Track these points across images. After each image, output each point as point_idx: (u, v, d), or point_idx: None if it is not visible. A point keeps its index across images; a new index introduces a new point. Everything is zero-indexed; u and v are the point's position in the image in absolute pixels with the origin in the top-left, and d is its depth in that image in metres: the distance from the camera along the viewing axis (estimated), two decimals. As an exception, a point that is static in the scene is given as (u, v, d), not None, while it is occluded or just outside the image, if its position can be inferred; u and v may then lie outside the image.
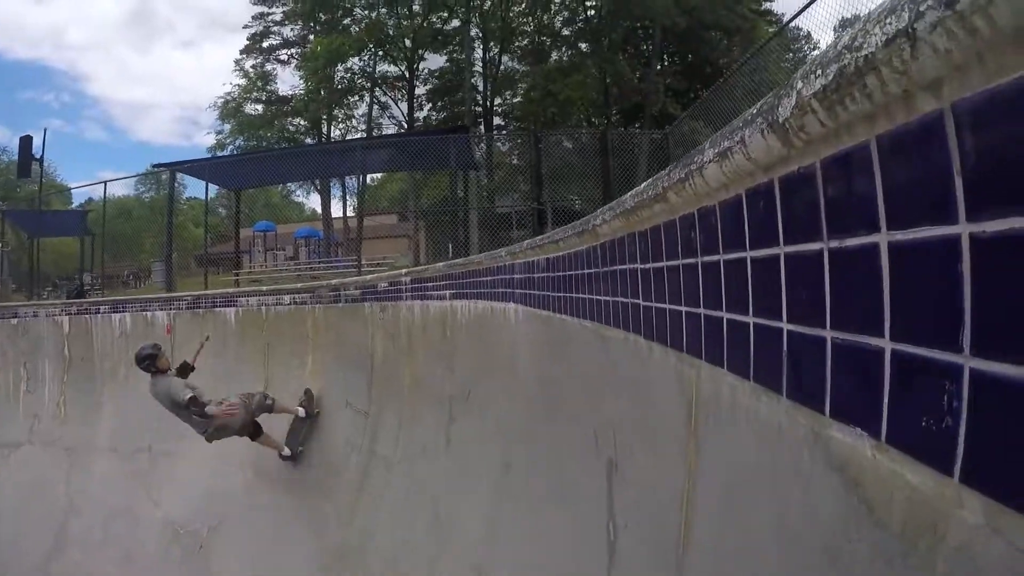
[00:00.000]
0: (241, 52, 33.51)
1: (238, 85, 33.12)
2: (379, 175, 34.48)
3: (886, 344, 1.01)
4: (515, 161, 27.07)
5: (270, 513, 8.70)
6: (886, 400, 1.02)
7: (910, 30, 0.80)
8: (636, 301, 2.41)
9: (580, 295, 3.20)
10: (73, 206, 34.48)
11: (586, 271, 3.08)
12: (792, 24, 13.88)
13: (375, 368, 8.38)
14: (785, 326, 1.34)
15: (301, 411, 9.08)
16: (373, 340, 8.58)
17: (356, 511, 7.44)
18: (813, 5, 10.82)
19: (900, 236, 0.95)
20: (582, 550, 3.03)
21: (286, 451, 8.98)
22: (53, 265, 27.90)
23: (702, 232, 1.74)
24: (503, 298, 4.94)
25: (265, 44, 33.42)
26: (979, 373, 0.81)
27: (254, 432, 8.66)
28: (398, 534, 6.36)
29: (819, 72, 1.03)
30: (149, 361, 8.38)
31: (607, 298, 2.77)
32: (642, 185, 2.13)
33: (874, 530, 1.07)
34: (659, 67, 31.35)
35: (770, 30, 25.56)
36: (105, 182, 20.26)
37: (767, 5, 31.47)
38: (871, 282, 1.02)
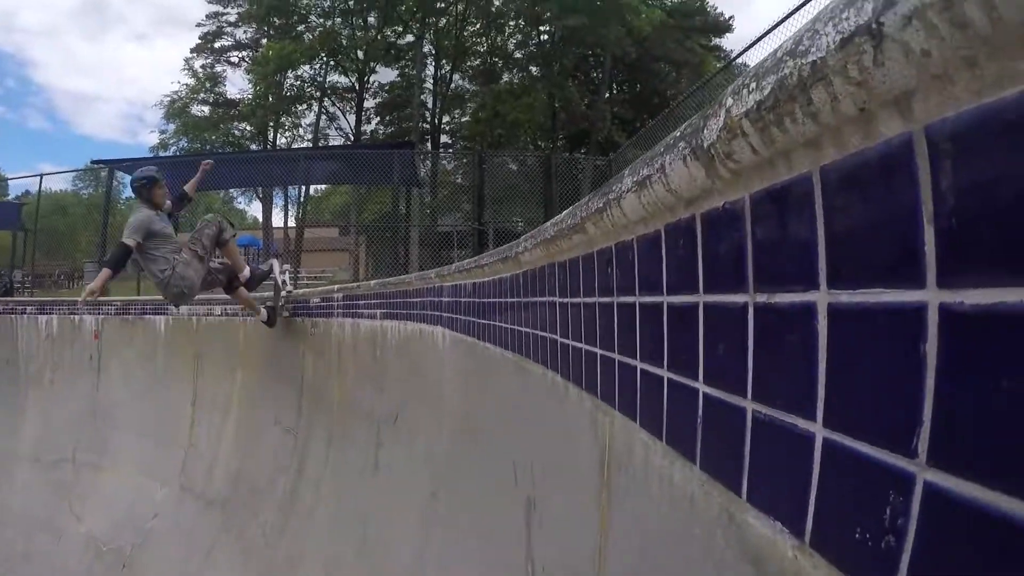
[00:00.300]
0: (192, 51, 33.18)
1: (186, 85, 32.78)
2: (323, 186, 34.15)
3: (818, 430, 0.80)
4: (459, 180, 27.01)
5: (196, 532, 8.35)
6: (813, 497, 0.81)
7: (874, 25, 0.59)
8: (554, 337, 2.25)
9: (503, 324, 3.06)
10: (9, 197, 33.31)
11: (509, 300, 2.94)
12: (740, 60, 13.97)
13: (305, 385, 8.17)
14: (701, 387, 1.14)
15: (246, 273, 7.83)
16: (304, 357, 8.36)
17: (284, 532, 7.19)
18: (763, 41, 10.90)
19: (844, 297, 0.74)
20: (503, 588, 2.92)
21: (263, 314, 8.25)
22: (-16, 258, 26.99)
23: (619, 269, 1.55)
24: (432, 321, 4.84)
25: (217, 44, 33.24)
26: (936, 489, 0.61)
27: (229, 284, 7.76)
28: (327, 557, 6.19)
29: (753, 86, 0.82)
30: (145, 183, 6.97)
31: (528, 330, 2.63)
32: (563, 213, 1.95)
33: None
34: (607, 95, 31.86)
35: (718, 65, 25.97)
36: (41, 175, 19.71)
37: (717, 41, 32.23)
38: (804, 350, 0.81)
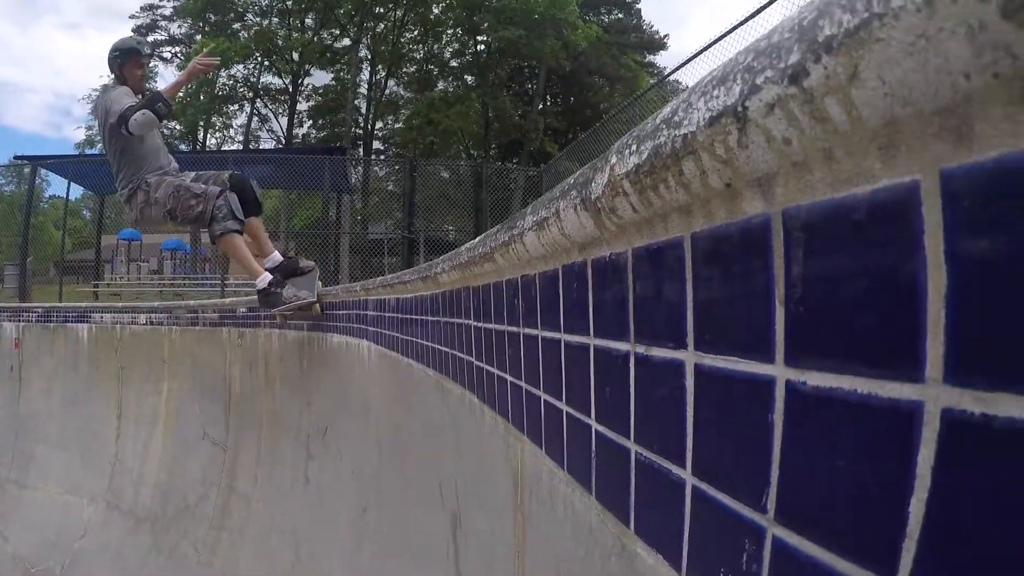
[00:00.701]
0: (124, 43, 32.30)
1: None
2: (253, 189, 33.54)
3: (687, 477, 0.84)
4: (391, 187, 26.89)
5: (126, 550, 8.05)
6: (686, 536, 0.86)
7: (739, 108, 0.61)
8: (470, 359, 2.27)
9: (425, 342, 3.07)
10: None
11: (430, 318, 2.94)
12: (672, 77, 14.21)
13: (232, 398, 7.96)
14: (594, 424, 1.18)
15: (274, 257, 6.07)
16: (231, 368, 8.13)
17: (216, 550, 7.04)
18: (696, 60, 11.13)
19: (708, 361, 0.77)
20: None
21: (260, 282, 5.82)
22: None
23: (524, 302, 1.58)
24: (358, 334, 4.81)
25: (150, 38, 32.36)
26: (783, 544, 0.64)
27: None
28: (260, 574, 6.09)
29: (634, 147, 0.84)
30: (118, 56, 5.53)
31: (447, 349, 2.64)
32: (476, 240, 1.97)
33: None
34: (541, 106, 32.07)
35: (652, 81, 26.35)
36: (-41, 170, 19.01)
37: (651, 58, 32.79)
38: (676, 404, 0.85)
